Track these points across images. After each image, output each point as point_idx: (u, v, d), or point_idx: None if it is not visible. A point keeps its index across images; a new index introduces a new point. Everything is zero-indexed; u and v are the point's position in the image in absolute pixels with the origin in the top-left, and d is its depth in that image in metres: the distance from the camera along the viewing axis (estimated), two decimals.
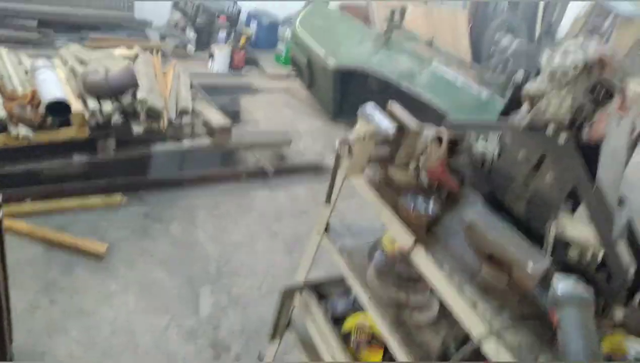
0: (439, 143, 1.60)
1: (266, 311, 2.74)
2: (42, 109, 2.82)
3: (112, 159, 3.18)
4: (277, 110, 4.94)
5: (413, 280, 1.63)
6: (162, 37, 5.15)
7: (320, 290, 1.97)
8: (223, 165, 4.04)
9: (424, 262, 1.36)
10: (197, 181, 3.57)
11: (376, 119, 1.65)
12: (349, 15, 5.17)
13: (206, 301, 2.74)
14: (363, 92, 4.62)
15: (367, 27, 5.50)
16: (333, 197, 1.66)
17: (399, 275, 1.64)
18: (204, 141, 3.54)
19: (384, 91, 4.49)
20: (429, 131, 1.64)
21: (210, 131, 3.57)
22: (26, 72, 3.42)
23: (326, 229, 1.78)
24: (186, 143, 3.47)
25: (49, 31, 4.72)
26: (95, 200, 3.09)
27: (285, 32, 5.74)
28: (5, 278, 1.69)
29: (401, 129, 1.61)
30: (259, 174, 3.83)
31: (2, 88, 2.99)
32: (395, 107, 1.68)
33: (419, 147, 1.65)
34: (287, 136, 4.20)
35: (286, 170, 3.99)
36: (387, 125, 1.63)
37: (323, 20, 4.87)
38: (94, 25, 4.98)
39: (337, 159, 1.54)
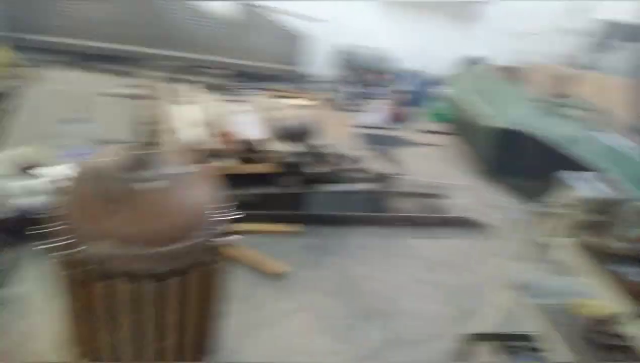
0: None
1: (429, 354, 2.84)
2: (244, 146, 3.35)
3: (292, 193, 3.62)
4: (430, 164, 5.13)
5: (613, 346, 1.63)
6: (326, 90, 5.73)
7: (503, 343, 2.03)
8: (376, 209, 4.32)
9: None
10: (362, 221, 3.86)
11: (583, 186, 1.74)
12: (506, 76, 5.30)
13: (374, 335, 2.91)
14: (518, 153, 4.65)
15: (526, 89, 5.55)
16: (528, 254, 1.76)
17: (597, 340, 1.65)
18: (368, 186, 3.86)
19: (541, 154, 4.48)
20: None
21: (376, 177, 3.89)
22: (222, 114, 4.07)
23: (514, 285, 1.87)
24: (353, 186, 3.82)
25: (232, 80, 5.55)
26: (277, 227, 3.52)
27: (440, 90, 6.02)
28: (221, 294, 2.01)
29: (611, 197, 1.68)
30: (415, 222, 4.02)
31: (214, 125, 3.61)
32: (595, 176, 1.76)
33: (627, 217, 1.68)
34: (443, 188, 4.36)
35: (440, 221, 4.12)
36: (595, 193, 1.70)
37: (483, 82, 5.05)
38: (267, 76, 5.75)
39: (541, 220, 1.65)
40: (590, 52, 7.33)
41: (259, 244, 3.37)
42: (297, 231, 3.55)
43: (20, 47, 4.60)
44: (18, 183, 2.65)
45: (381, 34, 6.11)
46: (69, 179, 1.66)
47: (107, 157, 1.65)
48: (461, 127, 4.93)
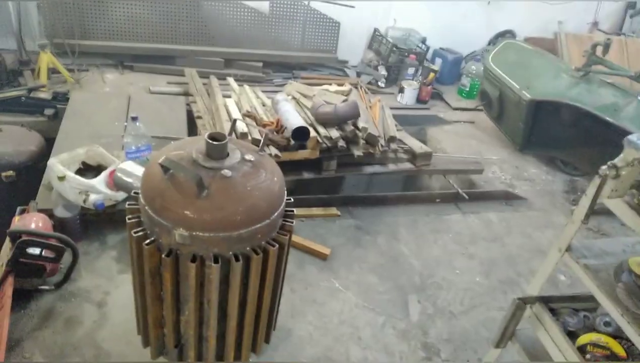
0: None
1: (469, 324, 2.98)
2: (287, 134, 3.47)
3: (331, 177, 3.74)
4: (463, 140, 5.16)
5: None
6: (358, 74, 5.78)
7: (550, 306, 2.11)
8: (412, 188, 4.40)
9: None
10: (397, 200, 3.96)
11: None
12: (537, 48, 5.22)
13: (414, 308, 3.05)
14: (552, 125, 4.63)
15: (558, 59, 5.47)
16: (582, 215, 1.81)
17: None
18: (406, 165, 3.94)
19: (575, 124, 4.44)
20: None
21: (412, 157, 3.96)
22: (263, 104, 4.20)
23: (568, 248, 1.93)
24: (391, 166, 3.90)
25: (268, 71, 5.65)
26: (317, 211, 3.65)
27: (470, 67, 5.98)
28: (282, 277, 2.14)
29: None
30: (451, 198, 4.09)
31: (254, 116, 3.75)
32: None
33: None
34: (478, 164, 4.40)
35: (476, 196, 4.17)
36: None
37: (516, 55, 5.01)
38: (303, 65, 5.82)
39: (600, 181, 1.70)
40: (630, 17, 7.13)
41: (300, 227, 3.51)
42: (336, 214, 3.68)
43: (65, 52, 4.84)
44: (86, 181, 2.84)
45: (410, 14, 6.09)
46: (142, 172, 1.80)
47: (180, 148, 1.79)
48: (496, 101, 4.92)
